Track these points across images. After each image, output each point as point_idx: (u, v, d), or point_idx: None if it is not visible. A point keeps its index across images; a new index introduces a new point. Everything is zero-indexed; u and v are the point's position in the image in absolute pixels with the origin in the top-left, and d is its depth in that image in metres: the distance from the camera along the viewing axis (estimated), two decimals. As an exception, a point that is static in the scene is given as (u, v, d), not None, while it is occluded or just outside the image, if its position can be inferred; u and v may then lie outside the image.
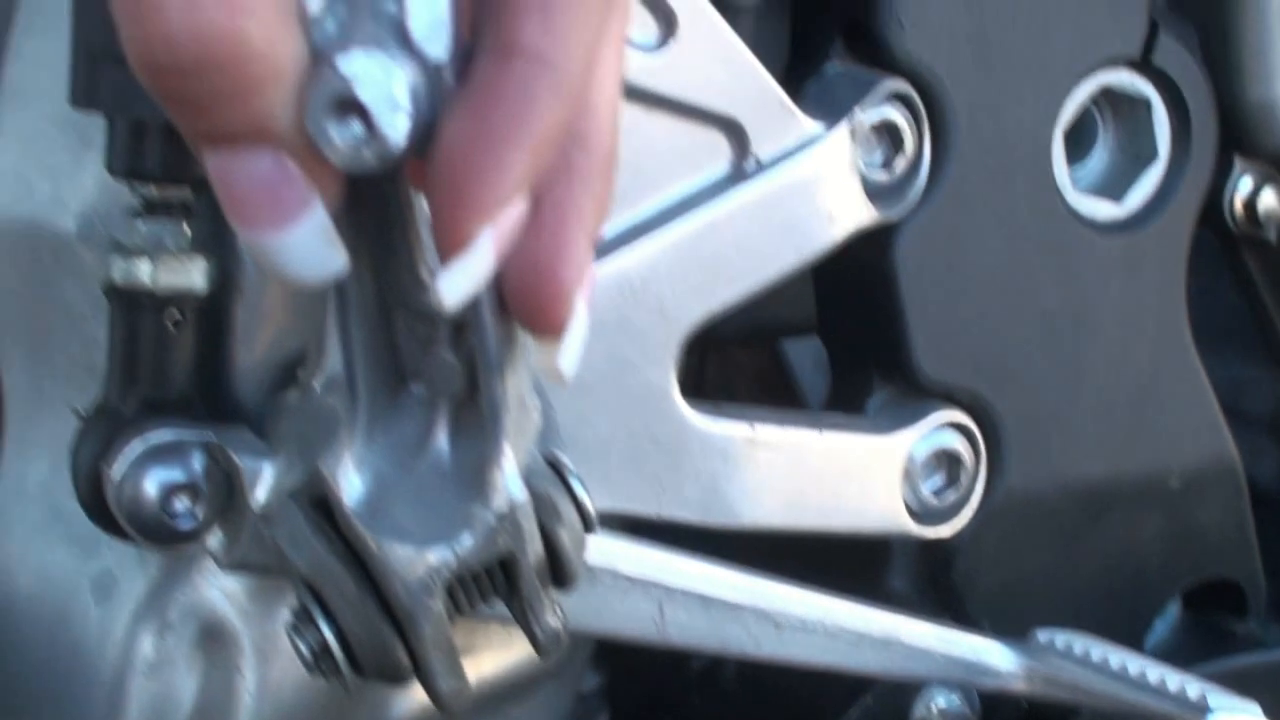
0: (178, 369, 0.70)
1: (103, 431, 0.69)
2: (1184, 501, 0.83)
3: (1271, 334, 0.88)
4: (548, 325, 0.54)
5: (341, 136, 0.48)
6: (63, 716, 0.75)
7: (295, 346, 0.70)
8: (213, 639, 0.73)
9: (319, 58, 0.49)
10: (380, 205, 0.56)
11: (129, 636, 0.73)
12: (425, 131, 0.51)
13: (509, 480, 0.60)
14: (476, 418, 0.60)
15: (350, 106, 0.48)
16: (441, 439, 0.61)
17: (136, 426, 0.69)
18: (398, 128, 0.48)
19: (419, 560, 0.60)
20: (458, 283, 0.52)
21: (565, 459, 0.64)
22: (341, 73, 0.48)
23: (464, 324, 0.58)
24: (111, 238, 0.69)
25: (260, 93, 0.49)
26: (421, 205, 0.55)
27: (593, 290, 0.56)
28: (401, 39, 0.50)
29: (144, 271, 0.68)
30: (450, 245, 0.51)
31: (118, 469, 0.68)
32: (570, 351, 0.55)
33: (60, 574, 0.74)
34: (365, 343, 0.60)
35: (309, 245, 0.51)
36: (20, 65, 0.72)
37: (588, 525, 0.64)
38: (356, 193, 0.54)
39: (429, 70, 0.50)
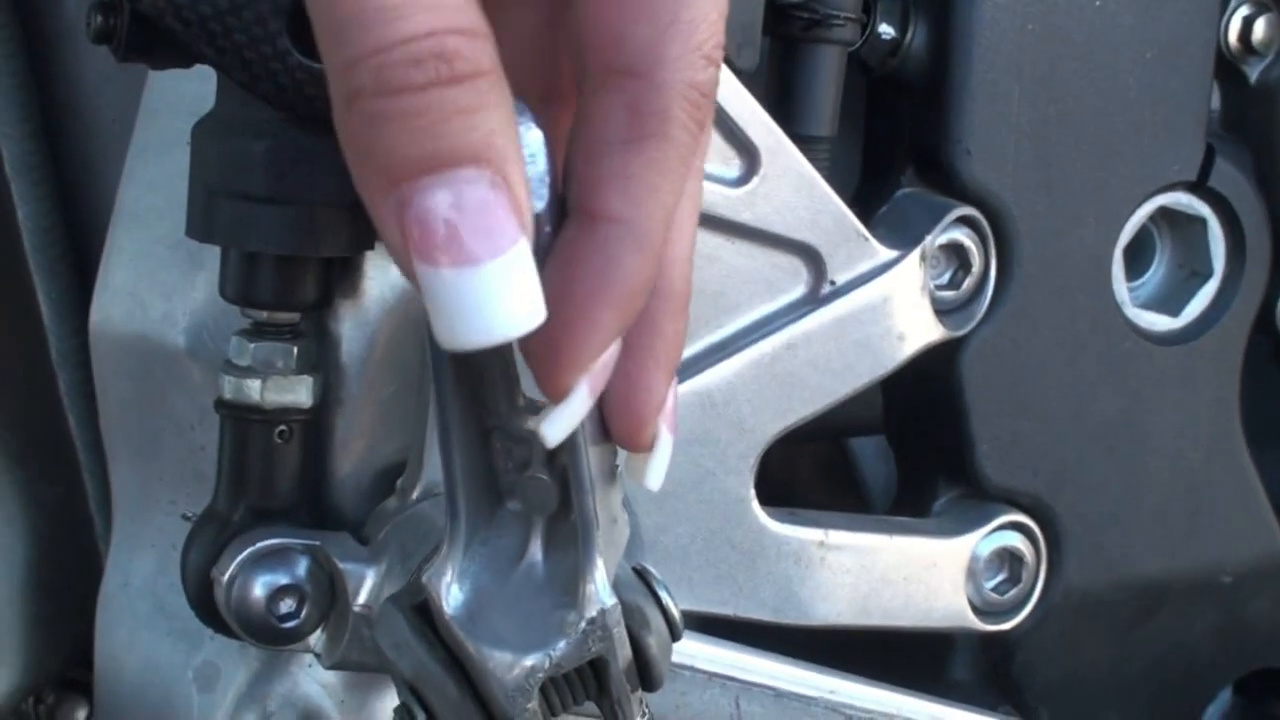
0: (284, 478, 0.70)
1: (212, 536, 0.70)
2: (1236, 596, 0.84)
3: None
4: (635, 448, 0.57)
5: None
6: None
7: (393, 456, 0.71)
8: None
9: None
10: (483, 353, 0.58)
11: None
12: None
13: (600, 590, 0.61)
14: (569, 532, 0.61)
15: None
16: (536, 551, 0.62)
17: (244, 532, 0.69)
18: None
19: (516, 665, 0.61)
20: (559, 425, 0.55)
21: (653, 569, 0.66)
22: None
23: (558, 447, 0.58)
24: (224, 357, 0.68)
25: (491, 110, 0.50)
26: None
27: (675, 414, 0.58)
28: None
29: (254, 389, 0.68)
30: (552, 395, 0.54)
31: (227, 572, 0.69)
32: (657, 467, 0.58)
33: (165, 664, 0.74)
34: (465, 464, 0.62)
35: (516, 280, 0.51)
36: (134, 189, 0.72)
37: (674, 632, 0.65)
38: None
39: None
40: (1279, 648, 0.86)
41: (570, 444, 0.58)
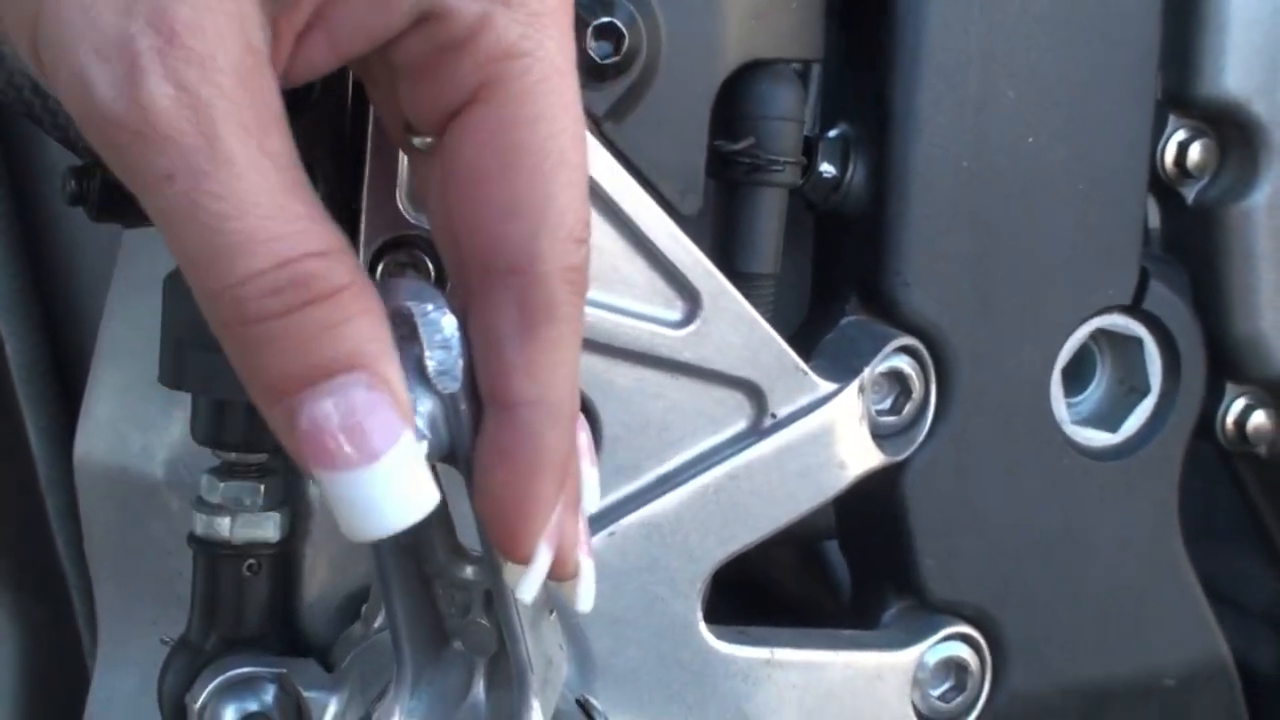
0: (253, 609, 0.71)
1: (185, 664, 0.71)
2: (1179, 697, 0.83)
3: (1265, 535, 0.89)
4: (515, 557, 0.56)
5: None
6: None
7: (360, 580, 0.73)
8: None
9: None
10: None
11: None
12: (445, 448, 0.56)
13: None
14: (509, 672, 0.62)
15: None
16: (479, 690, 0.64)
17: (216, 660, 0.71)
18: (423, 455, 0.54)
19: None
20: (531, 584, 0.56)
21: (595, 702, 0.69)
22: None
23: (494, 593, 0.61)
24: (195, 495, 0.71)
25: (355, 319, 0.51)
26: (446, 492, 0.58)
27: (588, 538, 0.59)
28: (420, 376, 0.55)
29: (224, 526, 0.70)
30: (519, 560, 0.56)
31: (199, 700, 0.70)
32: (585, 592, 0.59)
33: None
34: (409, 609, 0.64)
35: (403, 476, 0.52)
36: (116, 326, 0.74)
37: None
38: None
39: (445, 401, 0.55)
40: None
41: (500, 596, 0.60)
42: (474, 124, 0.53)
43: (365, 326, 0.51)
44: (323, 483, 0.52)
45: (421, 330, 0.56)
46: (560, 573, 0.57)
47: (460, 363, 0.56)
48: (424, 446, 0.54)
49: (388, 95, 0.56)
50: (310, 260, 0.50)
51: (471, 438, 0.56)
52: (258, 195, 0.49)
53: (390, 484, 0.52)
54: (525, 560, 0.56)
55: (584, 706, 0.67)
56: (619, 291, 0.70)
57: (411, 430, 0.52)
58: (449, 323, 0.56)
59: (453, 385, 0.56)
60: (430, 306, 0.56)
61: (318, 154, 0.65)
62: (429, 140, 0.55)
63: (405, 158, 0.64)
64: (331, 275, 0.50)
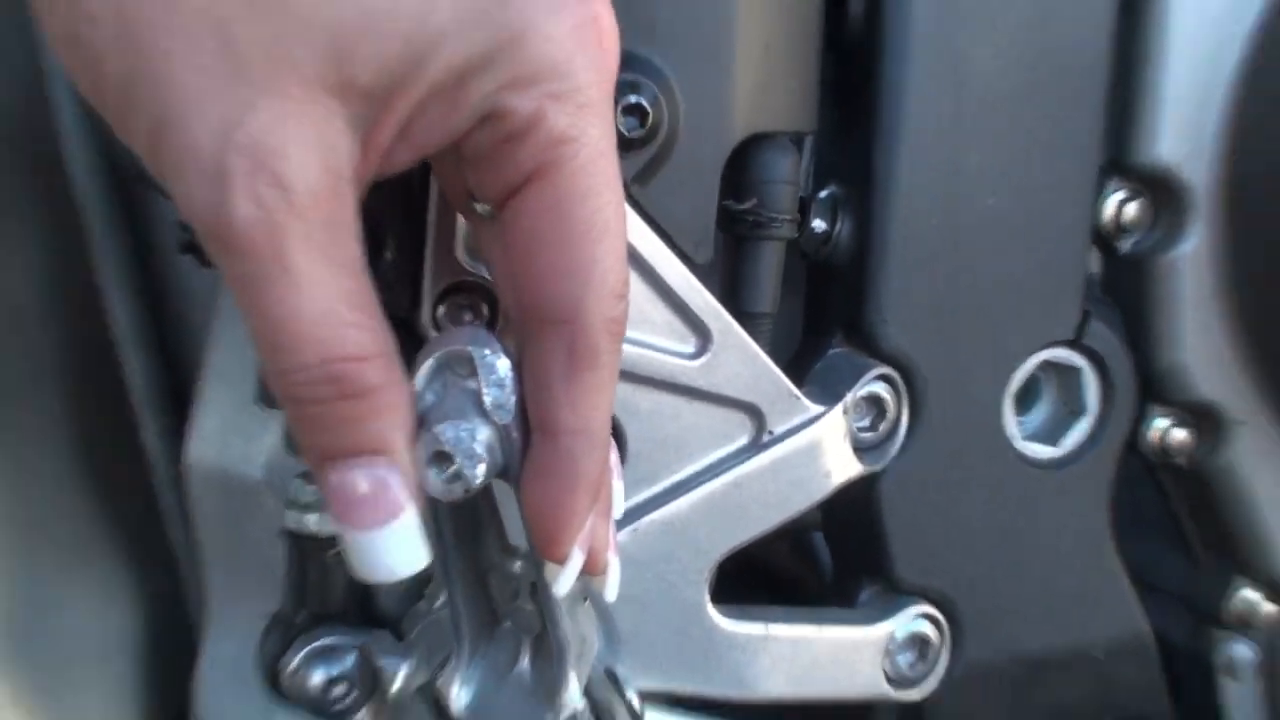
0: (335, 590, 0.70)
1: (279, 635, 0.71)
2: (1108, 665, 0.83)
3: (1182, 532, 0.87)
4: (552, 558, 0.56)
5: (439, 478, 0.54)
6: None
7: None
8: None
9: (423, 421, 0.55)
10: (472, 511, 0.61)
11: None
12: (500, 468, 0.55)
13: (572, 695, 0.62)
14: (547, 644, 0.62)
15: (444, 458, 0.54)
16: (525, 662, 0.64)
17: (305, 633, 0.70)
18: (478, 472, 0.54)
19: None
20: (565, 580, 0.57)
21: (620, 670, 0.68)
22: (438, 436, 0.54)
23: (536, 585, 0.61)
24: (287, 496, 0.69)
25: (382, 414, 0.52)
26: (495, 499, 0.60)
27: (614, 540, 0.59)
28: (479, 409, 0.55)
29: (311, 521, 0.69)
30: (556, 560, 0.56)
31: (291, 665, 0.70)
32: (612, 583, 0.59)
33: None
34: (467, 595, 0.63)
35: (402, 541, 0.53)
36: (220, 352, 0.73)
37: (636, 718, 0.67)
38: (455, 506, 0.59)
39: (499, 429, 0.55)
40: (1144, 701, 0.85)
41: (542, 588, 0.60)
42: (531, 199, 0.52)
43: (387, 420, 0.52)
44: (340, 535, 0.53)
45: (480, 371, 0.55)
46: (592, 569, 0.57)
47: (513, 398, 0.56)
48: (417, 519, 0.54)
49: (452, 173, 0.56)
50: (348, 363, 0.50)
51: (520, 459, 0.56)
52: (312, 305, 0.49)
53: (390, 548, 0.53)
54: (562, 562, 0.56)
55: (611, 674, 0.67)
56: (642, 329, 0.70)
57: (415, 506, 0.53)
58: (503, 365, 0.56)
59: (506, 417, 0.56)
60: (487, 351, 0.56)
61: (390, 214, 0.64)
62: (488, 208, 0.54)
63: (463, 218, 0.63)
64: (364, 377, 0.51)
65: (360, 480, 0.52)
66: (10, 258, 0.73)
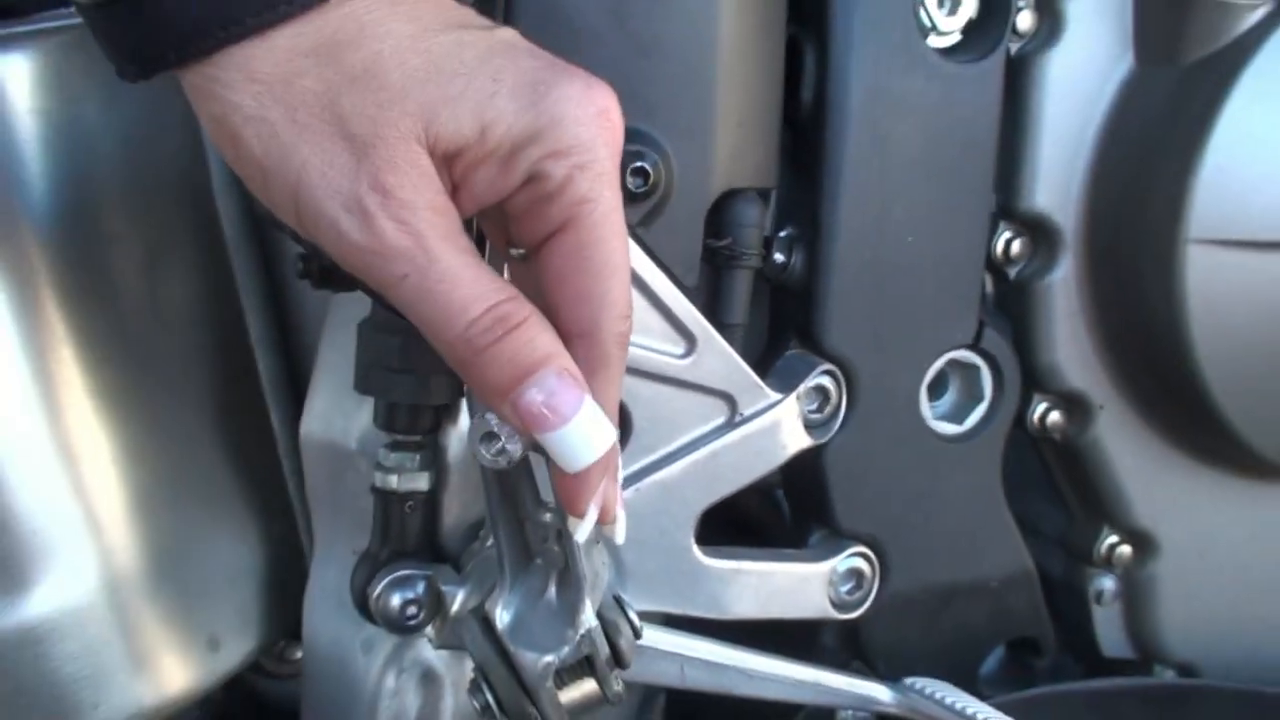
0: (411, 533, 0.71)
1: (368, 567, 0.71)
2: (1001, 593, 0.84)
3: (1058, 489, 0.89)
4: (576, 514, 0.56)
5: (488, 452, 0.55)
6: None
7: (479, 514, 0.72)
8: (429, 679, 0.74)
9: (477, 410, 0.55)
10: (514, 476, 0.62)
11: (380, 675, 0.74)
12: (534, 444, 0.55)
13: (588, 616, 0.64)
14: (570, 577, 0.64)
15: (493, 437, 0.55)
16: (552, 591, 0.65)
17: (386, 565, 0.71)
18: (518, 447, 0.55)
19: (539, 660, 0.64)
20: (584, 529, 0.57)
21: (624, 596, 0.69)
22: (488, 420, 0.54)
23: (562, 531, 0.63)
24: (375, 460, 0.70)
25: (541, 334, 0.52)
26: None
27: (621, 501, 0.58)
28: None
29: (394, 480, 0.70)
30: (576, 515, 0.56)
31: (376, 590, 0.70)
32: (620, 531, 0.58)
33: (342, 636, 0.75)
34: (509, 537, 0.65)
35: (590, 425, 0.52)
36: (328, 351, 0.73)
37: (636, 634, 0.67)
38: (500, 472, 0.60)
39: None
40: (1030, 624, 0.86)
41: (566, 534, 0.62)
42: (559, 246, 0.53)
43: (546, 338, 0.52)
44: (544, 441, 0.53)
45: None
46: (604, 520, 0.58)
47: None
48: (594, 405, 0.53)
49: (495, 228, 0.57)
50: (504, 304, 0.51)
51: None
52: (462, 273, 0.50)
53: (587, 431, 0.53)
54: (581, 516, 0.56)
55: (618, 599, 0.67)
56: (644, 335, 0.71)
57: (589, 396, 0.53)
58: None
59: None
60: None
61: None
62: (523, 251, 0.56)
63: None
64: (518, 311, 0.51)
65: (537, 394, 0.51)
66: (175, 281, 0.73)
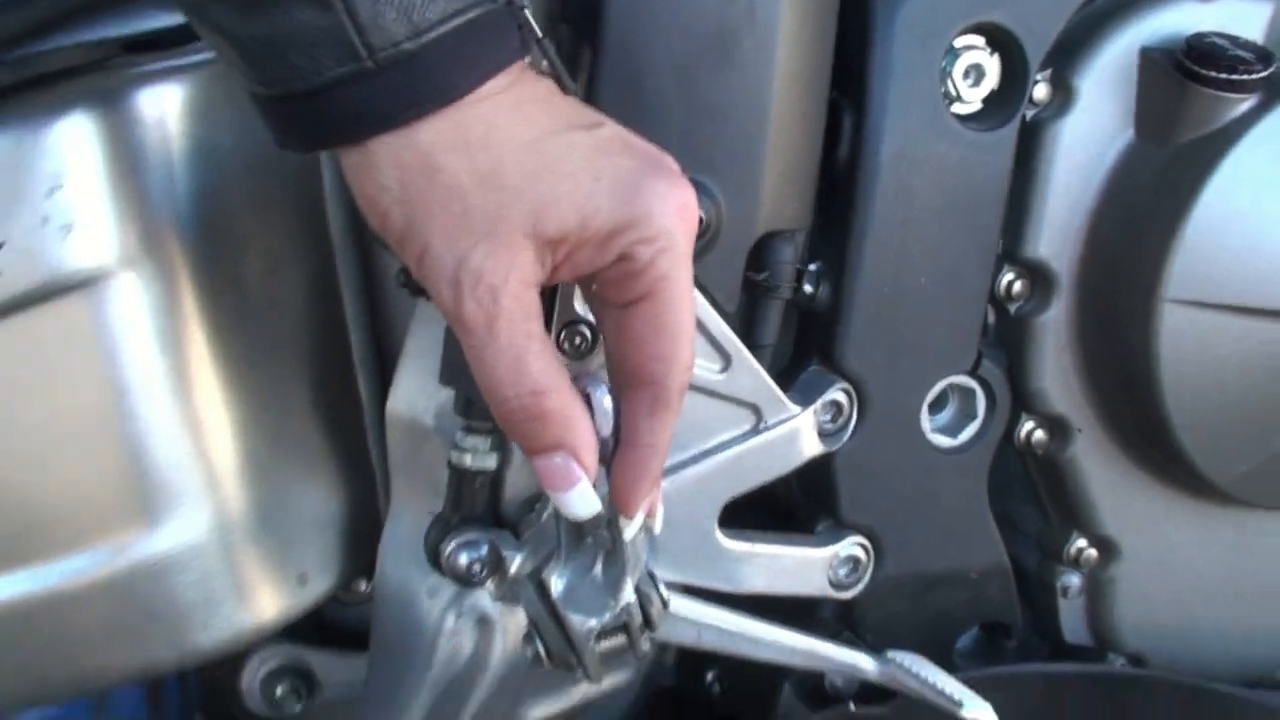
0: (479, 503, 0.75)
1: (440, 528, 0.75)
2: (979, 583, 0.89)
3: (1037, 495, 0.93)
4: (627, 515, 0.64)
5: None
6: (407, 657, 0.79)
7: (537, 490, 0.75)
8: (484, 623, 0.79)
9: None
10: None
11: (441, 616, 0.79)
12: (606, 464, 0.62)
13: (628, 589, 0.70)
14: (615, 559, 0.70)
15: None
16: (599, 566, 0.70)
17: (457, 529, 0.75)
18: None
19: (585, 622, 0.70)
20: (633, 527, 0.64)
21: (657, 572, 0.75)
22: None
23: (614, 523, 0.67)
24: (451, 441, 0.74)
25: (556, 428, 0.59)
26: None
27: (660, 499, 0.64)
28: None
29: (466, 459, 0.74)
30: (627, 516, 0.64)
31: (447, 550, 0.74)
32: (658, 524, 0.67)
33: (411, 581, 0.79)
34: (566, 523, 0.70)
35: (580, 497, 0.61)
36: (415, 340, 0.77)
37: (664, 604, 0.74)
38: None
39: (601, 439, 0.62)
40: (1002, 610, 0.90)
41: (617, 528, 0.67)
42: (640, 311, 0.59)
43: (564, 429, 0.59)
44: (551, 497, 0.61)
45: (593, 402, 0.62)
46: (628, 511, 0.64)
47: (610, 423, 0.63)
48: (589, 486, 0.60)
49: (584, 283, 0.63)
50: (534, 396, 0.58)
51: (611, 456, 0.63)
52: (510, 360, 0.57)
53: (575, 499, 0.61)
54: (631, 518, 0.64)
55: (650, 573, 0.72)
56: None
57: (590, 476, 0.60)
58: (608, 401, 0.63)
59: (606, 432, 0.63)
60: (598, 391, 0.63)
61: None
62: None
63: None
64: (542, 404, 0.58)
65: (553, 463, 0.59)
66: (288, 279, 0.79)
